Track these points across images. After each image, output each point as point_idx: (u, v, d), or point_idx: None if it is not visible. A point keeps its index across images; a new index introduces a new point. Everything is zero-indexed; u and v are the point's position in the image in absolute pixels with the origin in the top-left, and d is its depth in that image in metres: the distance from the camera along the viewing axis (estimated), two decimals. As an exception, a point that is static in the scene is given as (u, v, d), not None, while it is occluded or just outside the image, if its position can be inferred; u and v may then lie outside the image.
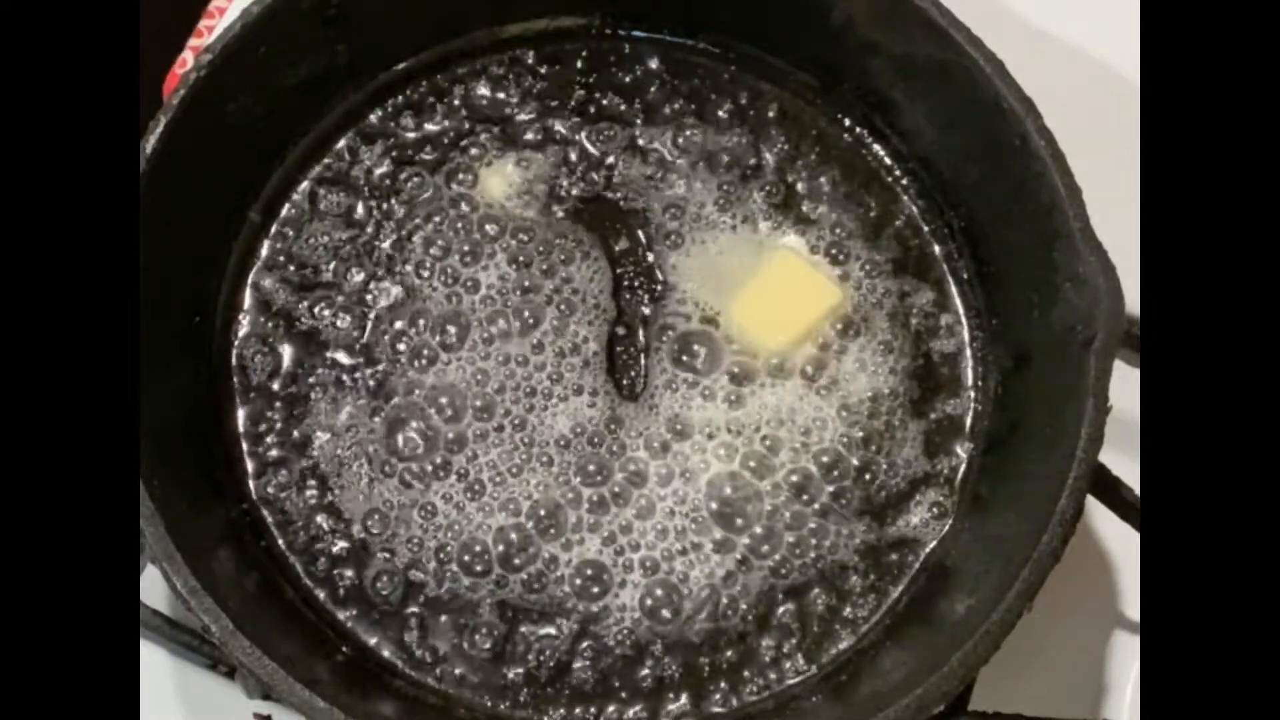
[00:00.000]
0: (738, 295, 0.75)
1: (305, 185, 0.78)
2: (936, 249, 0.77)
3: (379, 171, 0.78)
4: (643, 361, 0.74)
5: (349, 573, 0.70)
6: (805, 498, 0.71)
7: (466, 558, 0.70)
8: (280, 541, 0.71)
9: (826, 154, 0.80)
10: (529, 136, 0.79)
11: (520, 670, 0.68)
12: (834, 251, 0.77)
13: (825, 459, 0.72)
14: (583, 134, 0.79)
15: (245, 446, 0.72)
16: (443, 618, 0.69)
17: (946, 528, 0.72)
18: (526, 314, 0.75)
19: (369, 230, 0.77)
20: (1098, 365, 0.64)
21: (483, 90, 0.80)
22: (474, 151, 0.78)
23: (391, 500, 0.71)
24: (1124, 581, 0.81)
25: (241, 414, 0.73)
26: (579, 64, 0.80)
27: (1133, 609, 0.80)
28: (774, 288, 0.76)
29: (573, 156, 0.79)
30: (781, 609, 0.70)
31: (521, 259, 0.76)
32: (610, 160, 0.79)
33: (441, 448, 0.72)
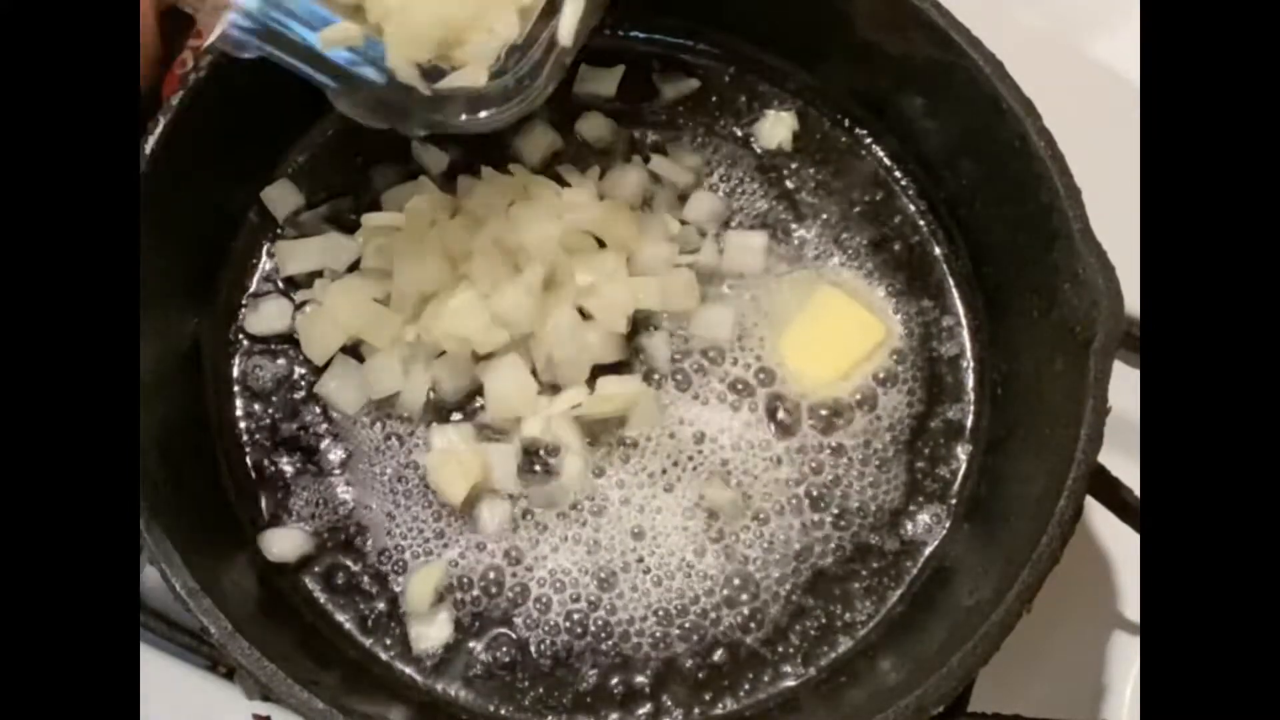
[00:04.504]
0: (784, 331, 0.74)
1: (305, 185, 0.78)
2: (936, 250, 0.77)
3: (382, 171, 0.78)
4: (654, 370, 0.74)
5: (348, 574, 0.70)
6: (807, 502, 0.71)
7: (468, 561, 0.70)
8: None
9: (826, 154, 0.79)
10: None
11: (523, 674, 0.68)
12: (833, 253, 0.77)
13: (828, 463, 0.72)
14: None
15: (245, 449, 0.73)
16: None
17: (946, 530, 0.71)
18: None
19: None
20: (1097, 366, 0.64)
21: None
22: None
23: (390, 502, 0.71)
24: (1124, 582, 0.81)
25: (242, 417, 0.73)
26: (579, 65, 0.80)
27: (1132, 609, 0.80)
28: (821, 325, 0.75)
29: (575, 157, 0.79)
30: (783, 612, 0.70)
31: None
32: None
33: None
